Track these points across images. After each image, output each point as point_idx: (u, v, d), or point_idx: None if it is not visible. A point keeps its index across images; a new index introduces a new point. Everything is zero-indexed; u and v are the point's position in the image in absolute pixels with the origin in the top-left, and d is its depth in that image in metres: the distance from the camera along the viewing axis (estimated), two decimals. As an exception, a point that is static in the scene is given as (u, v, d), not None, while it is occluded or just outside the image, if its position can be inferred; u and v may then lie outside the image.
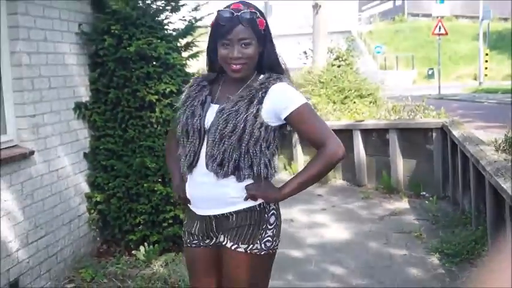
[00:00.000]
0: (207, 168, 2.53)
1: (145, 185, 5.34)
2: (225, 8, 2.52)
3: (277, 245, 2.69)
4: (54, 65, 4.99)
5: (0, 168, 4.24)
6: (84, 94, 5.47)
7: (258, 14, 2.53)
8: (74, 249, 5.30)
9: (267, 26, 2.57)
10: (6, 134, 4.54)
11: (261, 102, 2.50)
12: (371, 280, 5.05)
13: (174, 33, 5.74)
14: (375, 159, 8.84)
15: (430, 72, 40.11)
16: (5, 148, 4.45)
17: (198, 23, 5.91)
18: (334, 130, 9.05)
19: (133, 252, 5.41)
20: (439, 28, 26.94)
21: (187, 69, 5.81)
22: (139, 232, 5.43)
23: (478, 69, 33.91)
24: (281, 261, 5.54)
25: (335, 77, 11.58)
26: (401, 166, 8.36)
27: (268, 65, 2.62)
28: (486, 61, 32.75)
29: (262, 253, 2.60)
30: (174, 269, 5.06)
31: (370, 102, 11.10)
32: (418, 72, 42.18)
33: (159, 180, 5.35)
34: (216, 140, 2.50)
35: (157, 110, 5.33)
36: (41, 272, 4.79)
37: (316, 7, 14.72)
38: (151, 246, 5.36)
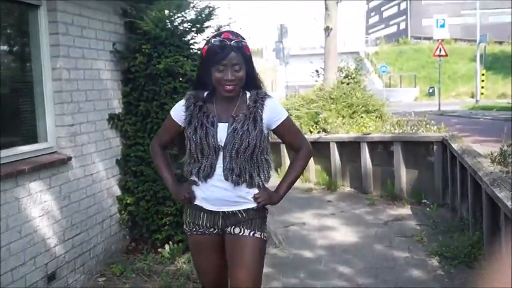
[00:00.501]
0: (226, 179, 2.75)
1: (171, 189, 5.33)
2: (216, 37, 2.72)
3: None
4: (91, 80, 5.03)
5: (41, 172, 4.28)
6: (117, 106, 5.50)
7: (245, 41, 2.73)
8: (105, 246, 5.31)
9: (250, 50, 2.78)
10: (47, 142, 4.59)
11: (261, 118, 2.77)
12: (376, 280, 5.01)
13: (199, 52, 5.75)
14: (380, 169, 8.79)
15: (430, 90, 40.01)
16: (46, 154, 4.50)
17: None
18: (344, 142, 9.06)
19: (159, 250, 5.41)
20: (440, 50, 26.83)
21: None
22: (164, 232, 5.44)
23: (475, 88, 33.84)
24: (294, 261, 5.57)
25: (344, 93, 11.55)
26: (404, 176, 8.31)
27: (252, 82, 2.83)
28: (482, 81, 32.67)
29: (265, 239, 2.93)
30: (195, 266, 5.05)
31: (376, 117, 11.05)
32: (420, 90, 42.08)
33: (184, 185, 5.35)
34: (233, 156, 2.73)
35: (182, 121, 5.33)
36: (76, 266, 4.81)
37: (327, 30, 14.72)
38: (175, 245, 5.37)
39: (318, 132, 10.47)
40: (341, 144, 9.55)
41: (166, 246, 5.36)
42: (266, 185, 2.89)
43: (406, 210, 7.65)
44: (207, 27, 5.77)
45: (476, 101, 31.74)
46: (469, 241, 5.45)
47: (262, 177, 2.83)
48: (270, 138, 2.91)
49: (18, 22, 4.52)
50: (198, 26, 5.69)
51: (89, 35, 4.97)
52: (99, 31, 5.14)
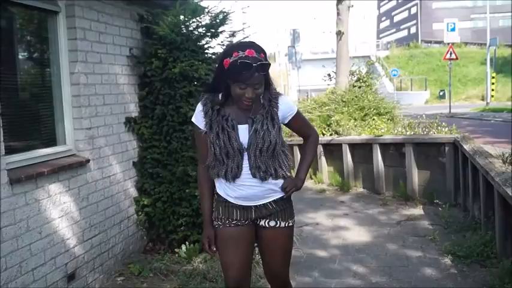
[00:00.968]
0: (254, 176, 2.86)
1: (187, 190, 5.33)
2: (239, 51, 2.70)
3: None
4: (108, 84, 5.03)
5: (60, 174, 4.29)
6: (133, 110, 5.51)
7: (267, 61, 2.76)
8: (123, 247, 5.31)
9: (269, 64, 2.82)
10: (65, 145, 4.60)
11: (278, 116, 2.89)
12: (389, 278, 4.96)
13: (214, 57, 5.74)
14: (392, 170, 8.72)
15: (441, 93, 39.72)
16: (65, 157, 4.50)
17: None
18: (356, 144, 8.97)
19: (175, 250, 5.39)
20: (450, 53, 26.60)
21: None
22: (181, 232, 5.43)
23: (485, 90, 33.52)
24: (308, 260, 5.53)
25: (356, 96, 11.49)
26: (416, 176, 8.24)
27: (266, 85, 2.86)
28: (493, 83, 32.37)
29: (294, 224, 3.12)
30: (212, 265, 5.03)
31: (388, 119, 10.97)
32: (430, 93, 41.79)
33: (199, 186, 5.33)
34: (257, 155, 2.83)
35: (198, 124, 5.32)
36: (95, 266, 4.80)
37: (339, 34, 14.65)
38: (191, 245, 5.34)
39: (331, 134, 10.42)
40: (353, 146, 9.50)
41: (183, 246, 5.34)
42: (289, 174, 2.99)
43: (418, 210, 7.58)
44: (221, 31, 5.76)
45: (487, 103, 31.40)
46: (482, 240, 5.38)
47: (284, 168, 2.95)
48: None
49: (38, 28, 4.53)
50: (213, 30, 5.68)
51: (106, 40, 4.98)
52: (116, 36, 5.15)
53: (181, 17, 5.45)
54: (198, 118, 2.91)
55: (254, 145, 2.82)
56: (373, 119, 10.72)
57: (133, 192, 5.54)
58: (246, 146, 2.83)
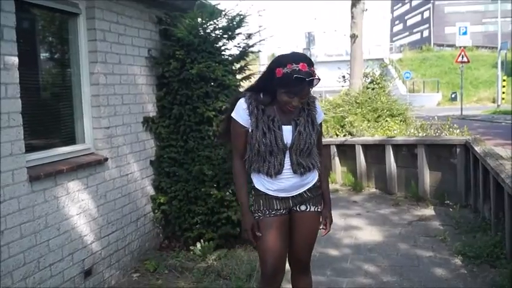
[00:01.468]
0: (295, 173, 3.00)
1: (202, 189, 5.28)
2: (292, 64, 2.75)
3: None
4: (127, 84, 4.99)
5: (78, 172, 4.24)
6: (151, 110, 5.46)
7: (317, 77, 2.82)
8: (140, 244, 5.26)
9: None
10: (84, 143, 4.56)
11: (316, 119, 3.05)
12: (400, 278, 4.88)
13: (230, 58, 5.68)
14: (404, 170, 8.61)
15: (453, 96, 39.35)
16: (83, 155, 4.47)
17: (251, 49, 5.86)
18: (369, 145, 8.81)
19: (191, 247, 5.35)
20: (462, 56, 26.31)
21: (241, 90, 5.73)
22: (196, 230, 5.37)
23: (496, 93, 33.14)
24: (321, 259, 5.45)
25: (369, 98, 11.39)
26: (428, 177, 8.12)
27: None
28: (503, 86, 32.02)
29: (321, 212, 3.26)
30: (226, 263, 4.99)
31: (401, 121, 10.86)
32: (442, 95, 41.43)
33: (215, 185, 5.28)
34: (297, 154, 2.98)
35: (214, 124, 5.28)
36: (111, 262, 4.76)
37: (353, 37, 14.54)
38: (206, 243, 5.29)
39: (344, 135, 10.32)
40: (366, 147, 9.39)
41: (198, 244, 5.29)
42: (319, 166, 3.15)
43: (429, 211, 7.46)
44: (238, 34, 5.69)
45: (498, 105, 31.03)
46: (492, 241, 5.30)
47: (318, 163, 3.12)
48: None
49: (59, 30, 4.49)
50: (230, 33, 5.62)
51: (125, 41, 4.93)
52: (135, 38, 5.10)
53: (199, 19, 5.40)
54: (242, 115, 2.96)
55: (297, 145, 2.96)
56: (386, 121, 10.62)
57: (150, 190, 5.49)
58: (289, 146, 2.96)
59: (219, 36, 5.57)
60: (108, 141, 4.68)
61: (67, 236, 4.11)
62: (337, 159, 10.01)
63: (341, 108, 11.26)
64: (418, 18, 76.32)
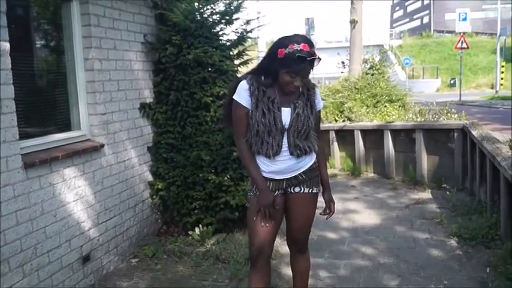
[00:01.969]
0: (292, 154, 3.03)
1: (200, 175, 5.20)
2: (294, 44, 2.80)
3: None
4: (122, 70, 4.88)
5: (74, 158, 4.17)
6: (148, 96, 5.36)
7: (317, 56, 2.84)
8: (138, 229, 5.20)
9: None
10: (80, 130, 4.48)
11: (315, 104, 3.10)
12: (397, 259, 4.91)
13: (228, 43, 5.56)
14: (402, 155, 8.58)
15: (452, 82, 39.20)
16: (79, 142, 4.39)
17: (249, 35, 5.75)
18: (367, 130, 8.79)
19: (189, 232, 5.29)
20: (462, 42, 26.16)
21: (238, 75, 5.64)
22: (194, 215, 5.31)
23: (494, 79, 33.01)
24: (319, 242, 5.44)
25: (369, 84, 11.29)
26: (425, 161, 8.11)
27: None
28: (502, 72, 31.90)
29: (319, 192, 3.26)
30: (224, 247, 4.96)
31: (399, 106, 10.78)
32: (441, 81, 41.25)
33: (213, 171, 5.20)
34: (295, 135, 3.00)
35: (211, 110, 5.18)
36: (110, 248, 4.70)
37: (353, 22, 14.41)
38: (205, 228, 5.23)
39: (343, 120, 10.25)
40: (365, 132, 9.33)
41: (196, 229, 5.23)
42: (317, 149, 3.18)
43: (426, 194, 7.47)
44: (235, 19, 5.58)
45: (496, 91, 30.90)
46: (487, 223, 5.36)
47: (315, 146, 3.15)
48: None
49: (52, 15, 4.37)
50: (227, 18, 5.50)
51: (120, 26, 4.82)
52: (130, 23, 4.99)
53: (196, 4, 5.27)
54: (243, 96, 2.98)
55: (294, 127, 2.99)
56: (385, 106, 10.55)
57: (148, 176, 5.42)
58: (287, 127, 2.98)
59: (216, 21, 5.44)
60: (104, 127, 4.60)
61: (64, 223, 4.04)
62: (336, 144, 9.95)
63: (340, 94, 11.17)
64: (419, 4, 75.69)
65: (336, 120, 10.33)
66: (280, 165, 3.05)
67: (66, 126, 4.39)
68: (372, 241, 5.46)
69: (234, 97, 3.02)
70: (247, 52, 5.86)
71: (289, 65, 2.81)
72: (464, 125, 7.44)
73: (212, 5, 5.39)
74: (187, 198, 5.33)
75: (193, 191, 5.28)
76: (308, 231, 3.33)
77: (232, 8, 5.50)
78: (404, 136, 8.54)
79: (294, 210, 3.20)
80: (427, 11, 70.09)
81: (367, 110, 10.28)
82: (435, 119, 8.93)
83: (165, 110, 5.34)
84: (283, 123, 2.97)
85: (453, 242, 5.26)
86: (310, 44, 2.86)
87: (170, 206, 5.42)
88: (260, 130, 2.96)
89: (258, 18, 6.06)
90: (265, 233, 3.08)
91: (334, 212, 3.33)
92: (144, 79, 5.28)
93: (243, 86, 2.99)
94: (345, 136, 9.78)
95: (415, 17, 75.58)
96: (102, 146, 4.53)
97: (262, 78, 2.98)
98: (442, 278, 4.37)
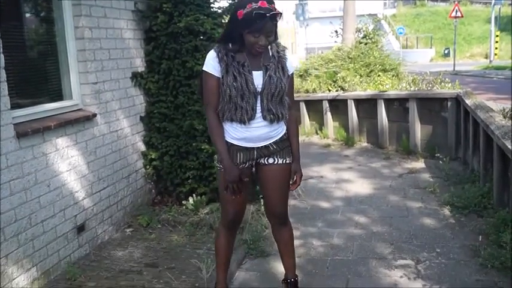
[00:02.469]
0: (265, 119, 3.01)
1: (193, 144, 5.22)
2: (252, 3, 2.77)
3: None
4: (113, 38, 4.85)
5: (66, 128, 4.17)
6: (139, 65, 5.33)
7: (278, 11, 2.83)
8: (132, 199, 5.24)
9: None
10: (72, 99, 4.47)
11: (286, 66, 3.07)
12: (390, 228, 4.97)
13: (219, 11, 5.52)
14: (396, 124, 8.61)
15: (446, 51, 39.08)
16: (71, 111, 4.38)
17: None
18: (361, 99, 8.82)
19: (183, 202, 5.33)
20: (456, 11, 25.96)
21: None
22: (188, 185, 5.34)
23: (489, 48, 32.93)
24: (312, 211, 5.50)
25: (362, 53, 11.23)
26: (419, 131, 8.15)
27: (275, 37, 3.00)
28: (496, 42, 31.84)
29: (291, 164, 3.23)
30: (218, 216, 4.96)
31: (393, 76, 10.74)
32: (435, 51, 41.09)
33: (206, 140, 5.21)
34: (269, 98, 2.98)
35: (204, 78, 5.16)
36: (104, 218, 4.74)
37: (346, -9, 14.30)
38: (198, 197, 5.27)
39: (336, 90, 10.24)
40: (358, 102, 9.34)
41: (190, 199, 5.27)
42: (287, 117, 3.14)
43: (420, 164, 7.52)
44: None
45: (490, 61, 30.85)
46: (480, 192, 5.40)
47: (286, 113, 3.11)
48: None
49: (40, -18, 4.33)
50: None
51: (110, -6, 4.77)
52: (120, -10, 4.94)
53: (187, -30, 5.21)
54: (212, 64, 2.96)
55: (267, 89, 2.97)
56: (379, 75, 10.52)
57: (141, 146, 5.43)
58: (259, 90, 2.97)
59: (207, -12, 5.40)
60: (96, 96, 4.59)
61: (58, 193, 4.07)
62: (329, 114, 9.97)
63: (333, 64, 11.11)
64: (412, -27, 75.05)
65: (329, 90, 10.31)
66: (253, 132, 3.02)
67: (58, 96, 4.38)
68: (365, 210, 5.52)
69: (203, 69, 3.00)
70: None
71: (250, 24, 2.78)
72: (458, 94, 7.44)
73: (203, -28, 5.33)
74: (181, 167, 5.35)
75: (187, 160, 5.30)
76: (285, 201, 3.31)
77: (223, -26, 5.45)
78: (398, 105, 8.56)
79: (270, 182, 3.20)
80: (421, -20, 69.38)
81: (361, 80, 10.26)
82: (429, 88, 8.93)
83: (157, 79, 5.32)
84: (256, 86, 2.95)
85: (446, 210, 5.32)
86: (269, 0, 2.82)
87: (164, 175, 5.45)
88: (233, 95, 2.93)
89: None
90: (236, 204, 3.18)
91: (299, 185, 3.29)
92: (136, 48, 5.24)
93: (211, 55, 2.97)
94: (338, 106, 9.79)
95: (409, -15, 74.82)
96: (95, 115, 4.53)
97: (230, 45, 2.95)
98: (434, 246, 4.43)
